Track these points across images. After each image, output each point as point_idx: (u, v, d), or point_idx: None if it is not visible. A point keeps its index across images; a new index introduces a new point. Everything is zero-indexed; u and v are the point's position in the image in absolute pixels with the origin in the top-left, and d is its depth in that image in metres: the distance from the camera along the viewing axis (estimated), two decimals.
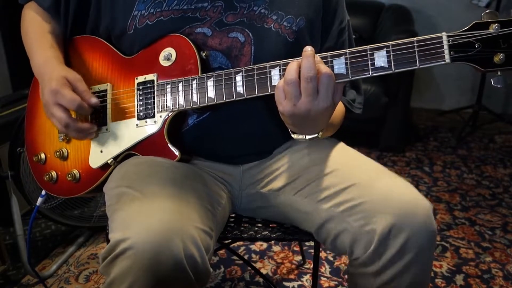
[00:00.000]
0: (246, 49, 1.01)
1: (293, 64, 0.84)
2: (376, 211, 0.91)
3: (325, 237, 1.00)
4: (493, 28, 0.80)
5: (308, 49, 0.83)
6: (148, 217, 0.82)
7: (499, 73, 0.83)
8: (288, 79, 0.83)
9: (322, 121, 0.90)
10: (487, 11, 0.81)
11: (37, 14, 1.13)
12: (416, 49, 0.83)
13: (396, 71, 0.84)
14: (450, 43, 0.82)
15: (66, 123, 0.98)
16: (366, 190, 0.94)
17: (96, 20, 1.09)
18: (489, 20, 0.81)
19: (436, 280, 1.74)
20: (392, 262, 0.90)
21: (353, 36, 1.18)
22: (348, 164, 1.03)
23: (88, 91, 1.01)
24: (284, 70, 0.90)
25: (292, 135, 0.95)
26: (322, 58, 0.88)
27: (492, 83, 0.83)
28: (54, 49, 1.08)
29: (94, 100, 1.00)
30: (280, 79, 0.90)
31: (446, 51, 0.82)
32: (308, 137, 0.93)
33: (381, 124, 2.87)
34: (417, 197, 0.93)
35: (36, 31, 1.11)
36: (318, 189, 1.01)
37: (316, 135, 0.93)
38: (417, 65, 0.83)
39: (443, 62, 0.83)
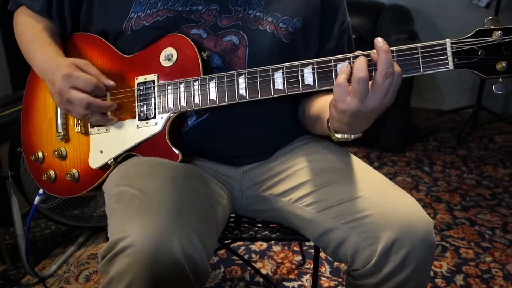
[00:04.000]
0: (240, 52, 1.01)
1: (361, 60, 0.81)
2: (380, 225, 0.91)
3: (326, 246, 1.01)
4: (496, 36, 0.80)
5: (381, 41, 0.80)
6: (148, 216, 0.82)
7: (500, 80, 0.83)
8: (359, 77, 0.80)
9: (377, 117, 0.87)
10: (490, 17, 0.82)
11: (29, 17, 1.13)
12: (420, 55, 0.83)
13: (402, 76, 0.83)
14: (454, 50, 0.82)
15: (87, 103, 0.97)
16: (370, 203, 0.94)
17: (87, 24, 1.09)
18: (492, 27, 0.81)
19: (436, 280, 1.74)
20: (392, 275, 0.91)
21: (353, 36, 1.18)
22: (353, 176, 1.02)
23: (100, 73, 1.00)
24: (287, 73, 0.90)
25: (335, 135, 0.92)
26: (325, 62, 0.88)
27: (494, 90, 0.84)
28: (53, 45, 1.08)
29: (111, 82, 1.00)
30: (283, 82, 0.90)
31: (450, 58, 0.82)
32: (353, 136, 0.91)
33: (381, 124, 2.87)
34: (419, 212, 0.94)
35: (31, 32, 1.10)
36: (321, 199, 1.00)
37: (360, 134, 0.91)
38: (421, 71, 0.84)
39: (446, 69, 0.83)
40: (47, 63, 1.03)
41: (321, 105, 1.01)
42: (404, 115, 2.89)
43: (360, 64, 0.81)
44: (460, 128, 3.23)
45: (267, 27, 1.02)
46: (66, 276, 1.72)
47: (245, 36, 1.01)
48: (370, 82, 0.81)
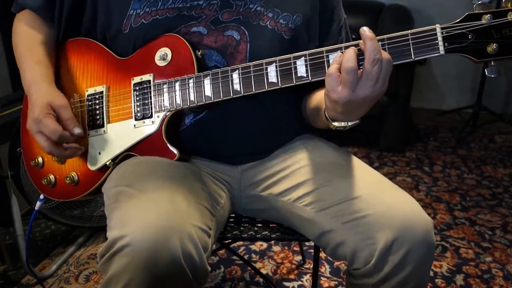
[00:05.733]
0: (241, 47, 1.02)
1: (350, 51, 0.82)
2: (379, 225, 0.91)
3: (325, 245, 1.00)
4: (486, 19, 0.81)
5: (366, 29, 0.81)
6: (146, 215, 0.82)
7: (492, 63, 0.84)
8: (348, 67, 0.80)
9: (371, 105, 0.87)
10: (479, 2, 0.83)
11: (27, 26, 1.12)
12: (410, 41, 0.84)
13: (393, 63, 0.84)
14: (444, 34, 0.83)
15: (49, 151, 0.99)
16: (369, 203, 0.94)
17: (92, 20, 1.08)
18: (481, 11, 0.82)
19: (436, 280, 1.74)
20: (392, 275, 0.90)
21: (353, 36, 1.18)
22: (352, 175, 1.02)
23: (72, 119, 1.00)
24: (280, 66, 0.91)
25: (332, 123, 0.93)
26: (318, 53, 0.88)
27: (487, 74, 0.85)
28: (42, 64, 1.07)
29: (78, 130, 1.00)
30: (277, 75, 0.90)
31: (440, 43, 0.83)
32: (350, 123, 0.92)
33: (381, 124, 2.87)
34: (418, 211, 0.93)
35: (25, 45, 1.10)
36: (320, 198, 1.00)
37: (357, 121, 0.91)
38: (412, 58, 0.85)
39: (437, 54, 0.84)
40: (31, 88, 1.03)
41: (321, 97, 1.01)
42: (404, 115, 2.89)
43: (349, 55, 0.81)
44: (460, 128, 3.23)
45: (268, 23, 1.03)
46: (66, 276, 1.72)
47: (246, 32, 1.02)
48: (360, 71, 0.82)
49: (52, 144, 0.98)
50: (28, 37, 1.11)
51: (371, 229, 0.91)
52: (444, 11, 3.32)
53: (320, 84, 0.91)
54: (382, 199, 0.95)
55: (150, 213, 0.82)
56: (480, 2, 0.82)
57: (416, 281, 0.92)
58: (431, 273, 1.77)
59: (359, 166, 1.06)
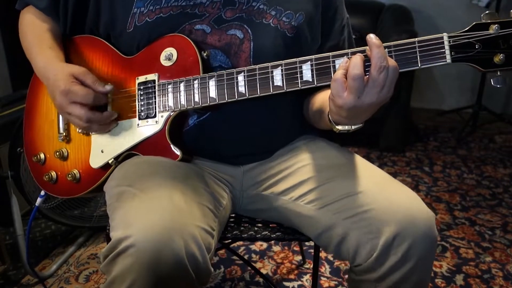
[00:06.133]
0: (245, 46, 1.01)
1: (357, 58, 0.81)
2: (380, 219, 0.91)
3: (327, 243, 1.00)
4: (493, 29, 0.81)
5: (373, 37, 0.81)
6: (150, 215, 0.82)
7: (498, 73, 0.83)
8: (355, 74, 0.80)
9: (375, 110, 0.87)
10: (487, 12, 0.82)
11: (34, 16, 1.13)
12: (417, 49, 0.84)
13: (399, 71, 0.84)
14: (451, 43, 0.82)
15: (87, 118, 0.98)
16: (371, 198, 0.94)
17: (95, 20, 1.08)
18: (489, 21, 0.82)
19: (436, 280, 1.74)
20: (394, 270, 0.91)
21: (354, 36, 1.18)
22: (353, 172, 1.02)
23: (98, 80, 1.00)
24: (286, 70, 0.90)
25: (336, 127, 0.93)
26: (324, 58, 0.88)
27: (492, 83, 0.84)
28: (53, 49, 1.07)
29: (108, 87, 1.00)
30: (282, 78, 0.90)
31: (447, 52, 0.83)
32: (354, 127, 0.92)
33: (381, 124, 2.87)
34: (420, 206, 0.94)
35: (34, 33, 1.10)
36: (321, 196, 1.00)
37: (361, 125, 0.91)
38: (418, 65, 0.84)
39: (444, 62, 0.83)
40: (46, 70, 1.03)
41: (324, 99, 1.01)
42: (404, 115, 2.90)
43: (356, 61, 0.81)
44: (460, 128, 3.23)
45: (271, 21, 1.03)
46: (66, 276, 1.72)
47: (249, 30, 1.01)
48: (366, 78, 0.81)
49: (88, 110, 0.97)
50: (36, 26, 1.11)
51: (374, 224, 0.91)
52: (444, 11, 3.32)
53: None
54: (384, 194, 0.95)
55: (153, 214, 0.82)
56: (487, 11, 0.82)
57: (418, 275, 0.92)
58: (431, 273, 1.77)
59: (362, 164, 1.06)
